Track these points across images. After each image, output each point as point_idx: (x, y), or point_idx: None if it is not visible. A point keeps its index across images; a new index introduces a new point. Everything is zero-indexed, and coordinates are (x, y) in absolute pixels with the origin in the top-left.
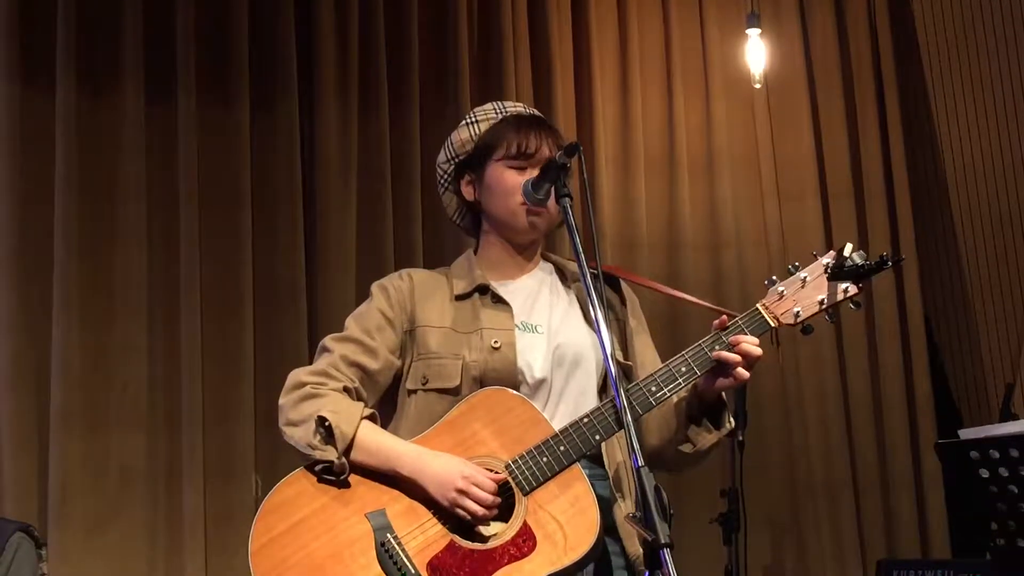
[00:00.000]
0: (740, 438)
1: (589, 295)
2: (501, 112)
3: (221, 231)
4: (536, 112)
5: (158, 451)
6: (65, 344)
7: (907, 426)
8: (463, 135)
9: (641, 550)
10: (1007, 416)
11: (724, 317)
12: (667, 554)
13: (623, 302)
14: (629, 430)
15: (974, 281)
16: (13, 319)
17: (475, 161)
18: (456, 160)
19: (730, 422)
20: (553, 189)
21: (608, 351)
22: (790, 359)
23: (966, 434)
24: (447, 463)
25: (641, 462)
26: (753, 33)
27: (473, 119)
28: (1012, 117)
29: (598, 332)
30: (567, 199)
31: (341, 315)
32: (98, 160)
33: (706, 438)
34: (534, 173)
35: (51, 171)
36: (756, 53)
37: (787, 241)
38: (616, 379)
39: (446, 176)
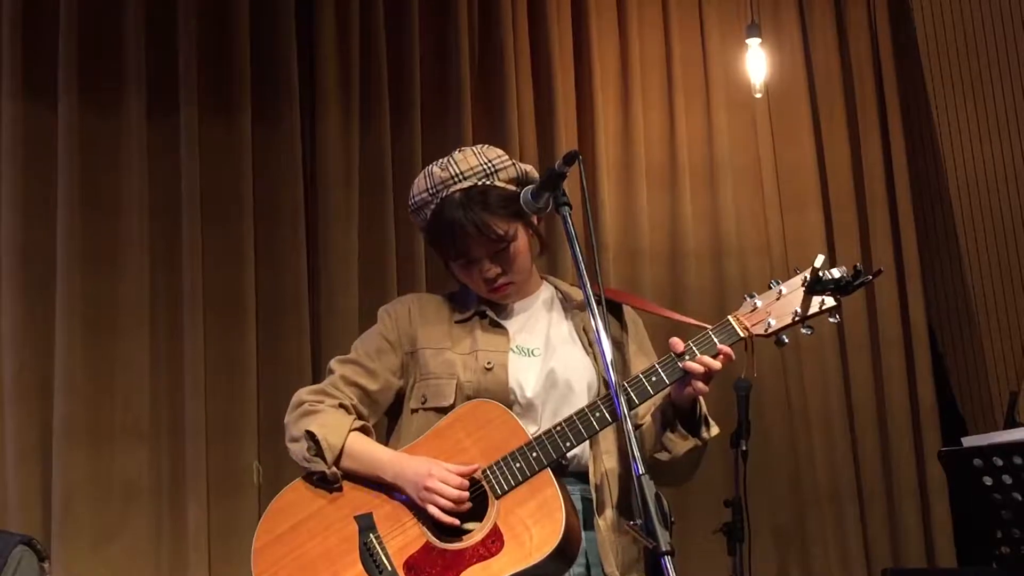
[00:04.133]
0: (744, 448)
1: (588, 304)
2: (435, 194)
3: (223, 244)
4: (469, 182)
5: (161, 464)
6: (68, 357)
7: (911, 435)
8: (416, 219)
9: (617, 571)
10: (1012, 424)
11: (674, 340)
12: (668, 562)
13: (623, 327)
14: (630, 438)
15: (977, 289)
16: (16, 332)
17: (433, 249)
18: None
19: (709, 432)
20: (552, 198)
21: (609, 359)
22: (793, 369)
23: (969, 442)
24: (419, 465)
25: (642, 470)
26: (753, 43)
27: (414, 204)
28: (1015, 126)
29: (598, 339)
30: (566, 208)
31: (344, 327)
32: (100, 174)
33: (680, 444)
34: (486, 261)
35: (54, 185)
36: (757, 63)
37: (789, 251)
38: (616, 388)
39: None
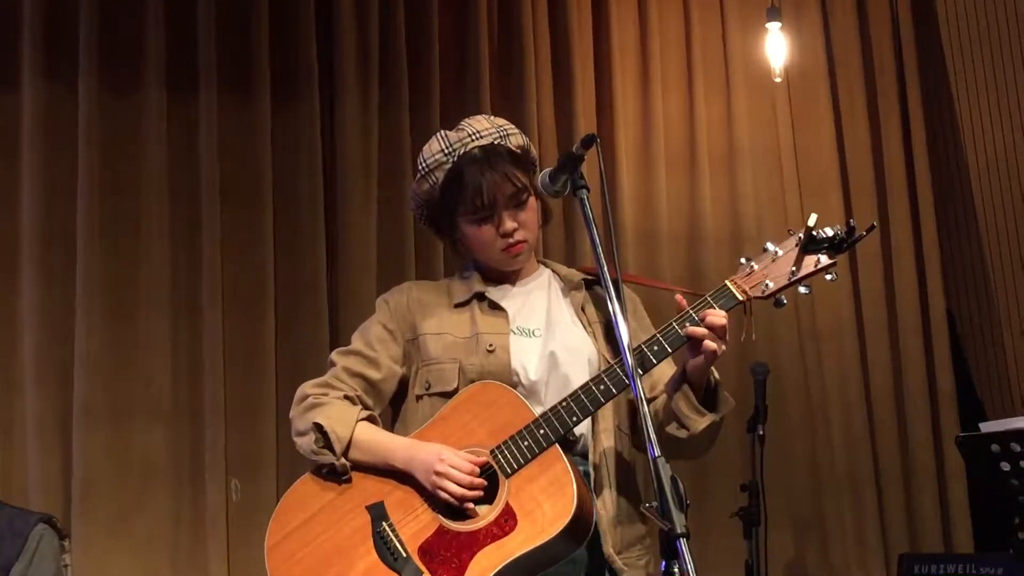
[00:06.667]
0: (761, 432)
1: (605, 286)
2: (450, 153)
3: (243, 228)
4: (487, 139)
5: (181, 446)
6: (88, 339)
7: (929, 420)
8: (424, 186)
9: (614, 551)
10: None
11: (680, 297)
12: (683, 544)
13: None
14: (646, 420)
15: (997, 275)
16: (37, 315)
17: (443, 215)
18: (424, 212)
19: (724, 406)
20: (570, 181)
21: (626, 342)
22: (812, 354)
23: (987, 427)
24: (429, 451)
25: (657, 452)
26: (773, 27)
27: (425, 167)
28: None
29: (615, 322)
30: (584, 191)
31: (362, 311)
32: (121, 157)
33: (699, 421)
34: (505, 214)
35: (74, 168)
36: (777, 47)
37: None
38: (632, 369)
39: (422, 219)
